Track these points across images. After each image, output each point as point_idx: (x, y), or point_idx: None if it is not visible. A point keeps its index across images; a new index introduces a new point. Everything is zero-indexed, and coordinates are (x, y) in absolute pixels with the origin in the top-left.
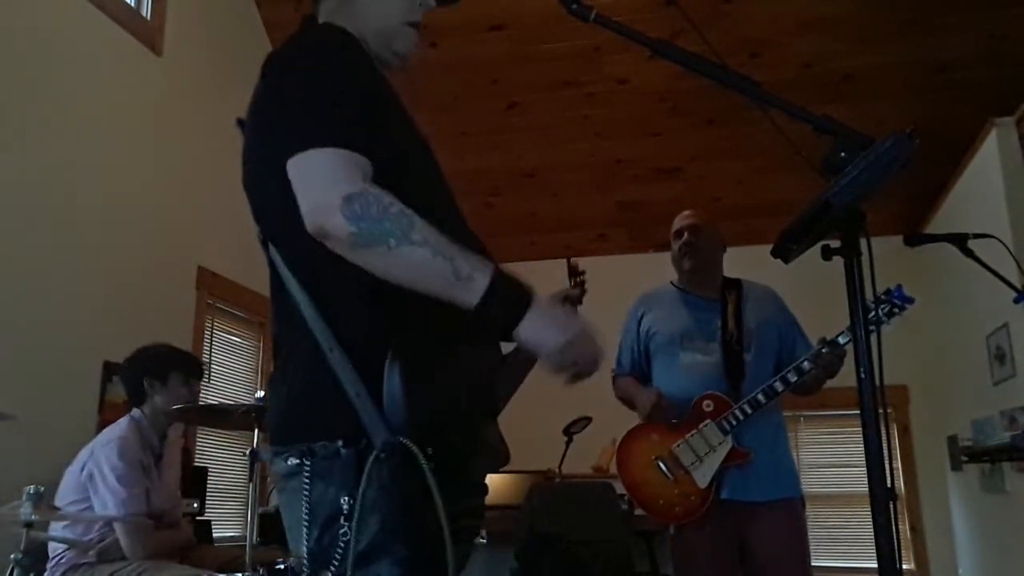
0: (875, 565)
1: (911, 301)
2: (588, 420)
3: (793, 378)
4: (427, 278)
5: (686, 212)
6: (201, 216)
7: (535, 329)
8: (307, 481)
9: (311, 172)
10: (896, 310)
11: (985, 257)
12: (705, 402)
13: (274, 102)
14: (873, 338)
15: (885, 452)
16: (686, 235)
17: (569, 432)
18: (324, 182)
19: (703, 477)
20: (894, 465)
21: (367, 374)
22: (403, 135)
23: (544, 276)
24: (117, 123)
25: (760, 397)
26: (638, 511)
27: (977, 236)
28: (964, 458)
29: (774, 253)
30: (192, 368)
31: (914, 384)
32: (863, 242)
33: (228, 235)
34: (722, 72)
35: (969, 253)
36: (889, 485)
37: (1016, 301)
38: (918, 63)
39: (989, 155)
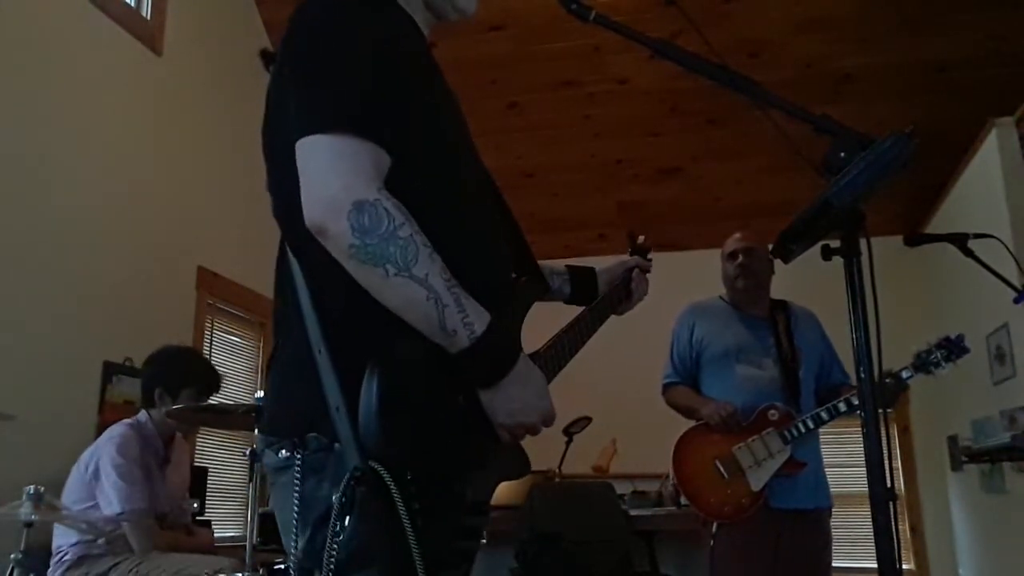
0: (875, 565)
1: (967, 351)
2: (588, 420)
3: (856, 401)
4: (413, 316)
5: (738, 235)
6: (201, 216)
7: (498, 400)
8: (298, 475)
9: (322, 163)
10: (953, 356)
11: (985, 257)
12: (771, 411)
13: (287, 65)
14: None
15: (885, 452)
16: (741, 257)
17: (569, 432)
18: (336, 178)
19: (758, 481)
20: (894, 465)
21: (351, 383)
22: (430, 108)
23: None
24: (117, 123)
25: (824, 415)
26: (640, 512)
27: (977, 236)
28: (964, 458)
29: (774, 253)
30: (206, 386)
31: (914, 384)
32: (863, 242)
33: (228, 235)
34: (722, 72)
35: (969, 253)
36: (889, 485)
37: (1016, 301)
38: (918, 63)
39: (989, 155)
